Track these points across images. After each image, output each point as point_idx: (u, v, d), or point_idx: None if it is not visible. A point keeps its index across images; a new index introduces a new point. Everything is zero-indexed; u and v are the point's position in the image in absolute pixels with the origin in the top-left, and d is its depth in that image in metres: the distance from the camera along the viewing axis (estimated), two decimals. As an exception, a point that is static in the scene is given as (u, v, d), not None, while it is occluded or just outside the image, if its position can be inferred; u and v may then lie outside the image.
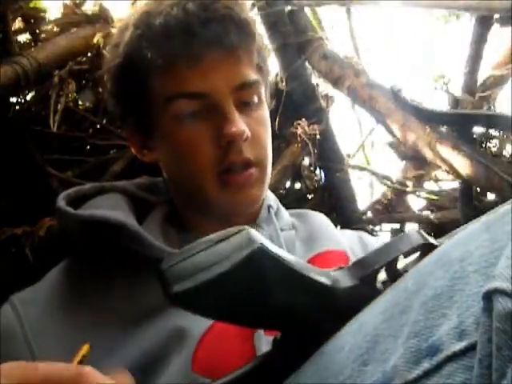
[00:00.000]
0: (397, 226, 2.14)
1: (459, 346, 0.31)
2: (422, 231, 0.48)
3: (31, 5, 1.87)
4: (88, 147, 1.96)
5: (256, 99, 0.76)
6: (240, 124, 0.71)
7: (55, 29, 1.91)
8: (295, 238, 0.82)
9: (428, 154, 1.78)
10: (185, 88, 0.72)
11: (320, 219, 0.88)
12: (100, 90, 2.00)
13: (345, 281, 0.43)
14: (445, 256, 0.36)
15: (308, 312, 0.43)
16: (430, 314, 0.33)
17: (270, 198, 0.84)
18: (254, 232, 0.40)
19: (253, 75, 0.76)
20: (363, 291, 0.42)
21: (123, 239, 0.70)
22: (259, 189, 0.77)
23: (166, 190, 0.84)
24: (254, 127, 0.75)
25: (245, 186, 0.75)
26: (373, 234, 2.01)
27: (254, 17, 0.79)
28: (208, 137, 0.72)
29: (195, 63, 0.71)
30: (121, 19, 1.92)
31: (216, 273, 0.38)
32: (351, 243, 0.85)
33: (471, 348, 0.30)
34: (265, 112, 0.78)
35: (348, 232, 0.92)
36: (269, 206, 0.83)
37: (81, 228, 0.73)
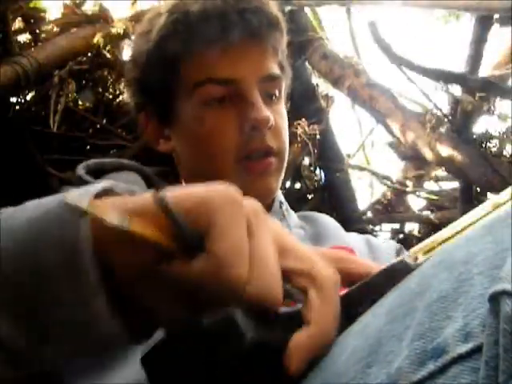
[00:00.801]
0: (397, 226, 2.15)
1: (465, 347, 0.30)
2: (406, 261, 0.42)
3: (31, 5, 1.87)
4: (88, 147, 1.96)
5: (277, 93, 0.79)
6: (265, 111, 0.73)
7: (55, 29, 1.91)
8: (304, 237, 0.82)
9: (428, 154, 1.78)
10: (215, 73, 0.74)
11: (327, 220, 0.89)
12: (100, 89, 2.00)
13: None
14: (448, 258, 0.36)
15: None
16: (434, 315, 0.32)
17: (280, 196, 0.85)
18: (238, 319, 0.36)
19: (277, 70, 0.79)
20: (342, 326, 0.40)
21: None
22: (276, 179, 0.78)
23: (176, 179, 0.84)
24: (276, 118, 0.76)
25: (264, 174, 0.75)
26: (373, 234, 2.01)
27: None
28: (233, 122, 0.74)
29: (227, 50, 0.74)
30: (121, 19, 1.93)
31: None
32: (358, 245, 0.84)
33: (477, 350, 0.30)
34: (284, 108, 0.80)
35: (354, 234, 0.92)
36: (280, 202, 0.83)
37: None
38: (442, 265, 0.36)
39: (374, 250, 0.84)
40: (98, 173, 0.79)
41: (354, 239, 0.85)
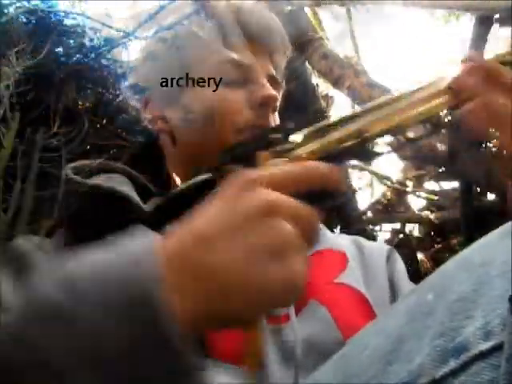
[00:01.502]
0: (397, 226, 2.15)
1: (486, 345, 0.31)
2: None
3: (31, 4, 1.87)
4: (88, 147, 1.96)
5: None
6: (273, 90, 0.81)
7: (55, 28, 1.91)
8: None
9: (428, 154, 1.78)
10: (236, 57, 0.82)
11: None
12: (100, 90, 2.00)
13: None
14: (466, 261, 0.37)
15: None
16: (455, 315, 0.33)
17: None
18: None
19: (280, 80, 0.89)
20: None
21: (127, 213, 0.71)
22: None
23: (165, 182, 0.85)
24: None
25: None
26: (373, 234, 2.01)
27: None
28: (242, 99, 0.80)
29: (251, 42, 0.83)
30: (121, 19, 1.93)
31: None
32: (349, 249, 0.85)
33: (498, 347, 0.30)
34: None
35: (344, 237, 0.92)
36: None
37: (87, 197, 0.74)
38: (461, 267, 0.36)
39: (364, 251, 0.84)
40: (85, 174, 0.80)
41: (344, 243, 0.86)
